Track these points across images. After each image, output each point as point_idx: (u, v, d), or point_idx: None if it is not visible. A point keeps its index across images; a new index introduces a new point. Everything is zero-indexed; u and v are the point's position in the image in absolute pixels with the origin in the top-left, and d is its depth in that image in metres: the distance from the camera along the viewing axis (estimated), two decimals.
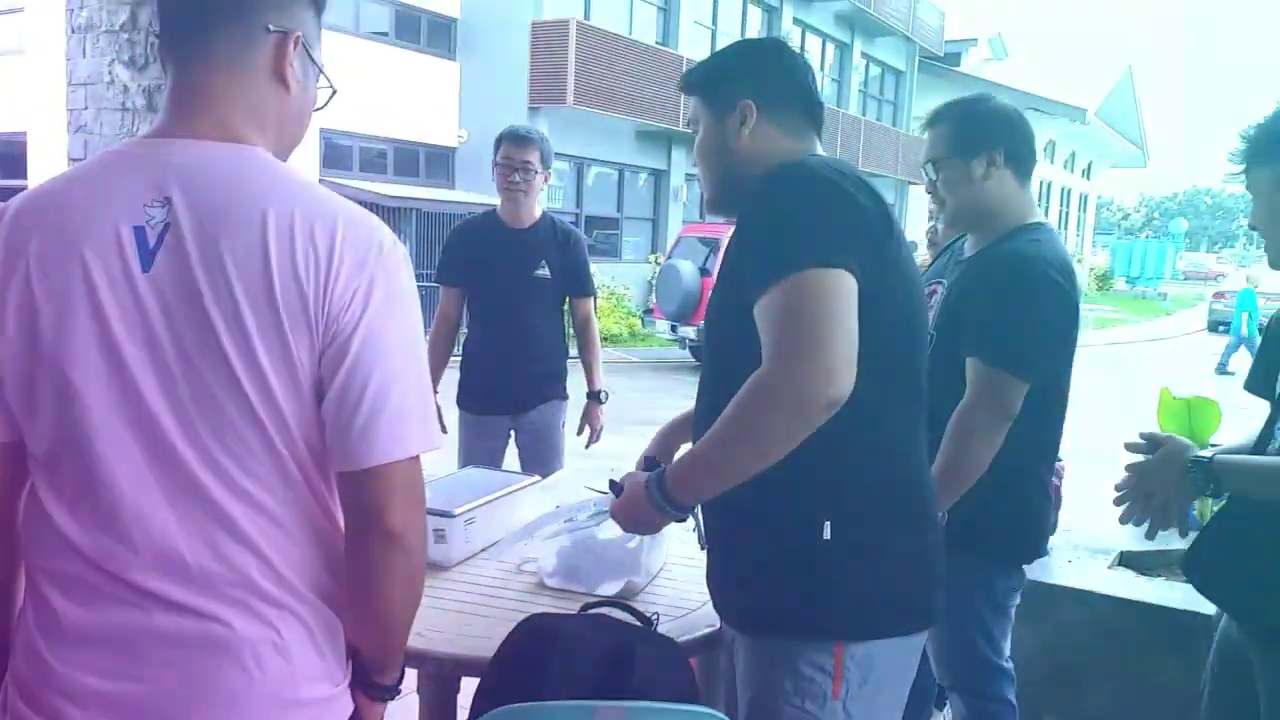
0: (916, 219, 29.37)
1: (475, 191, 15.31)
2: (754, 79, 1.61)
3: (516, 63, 15.24)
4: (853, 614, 1.47)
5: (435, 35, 16.04)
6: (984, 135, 2.12)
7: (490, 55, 15.65)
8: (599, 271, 15.84)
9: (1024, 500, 2.16)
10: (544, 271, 3.34)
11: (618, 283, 15.94)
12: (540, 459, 3.32)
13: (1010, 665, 2.28)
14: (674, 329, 12.92)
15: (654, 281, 14.17)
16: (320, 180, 11.35)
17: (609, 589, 2.01)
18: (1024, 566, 2.26)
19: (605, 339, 14.38)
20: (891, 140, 26.19)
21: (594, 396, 3.47)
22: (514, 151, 3.27)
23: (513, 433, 3.44)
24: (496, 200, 3.40)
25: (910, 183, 27.67)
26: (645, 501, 1.48)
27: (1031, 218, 2.15)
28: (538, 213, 3.41)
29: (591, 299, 3.52)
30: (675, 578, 2.15)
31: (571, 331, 3.55)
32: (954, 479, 1.95)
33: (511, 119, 16.48)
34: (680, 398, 6.98)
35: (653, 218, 19.05)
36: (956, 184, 2.14)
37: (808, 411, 1.29)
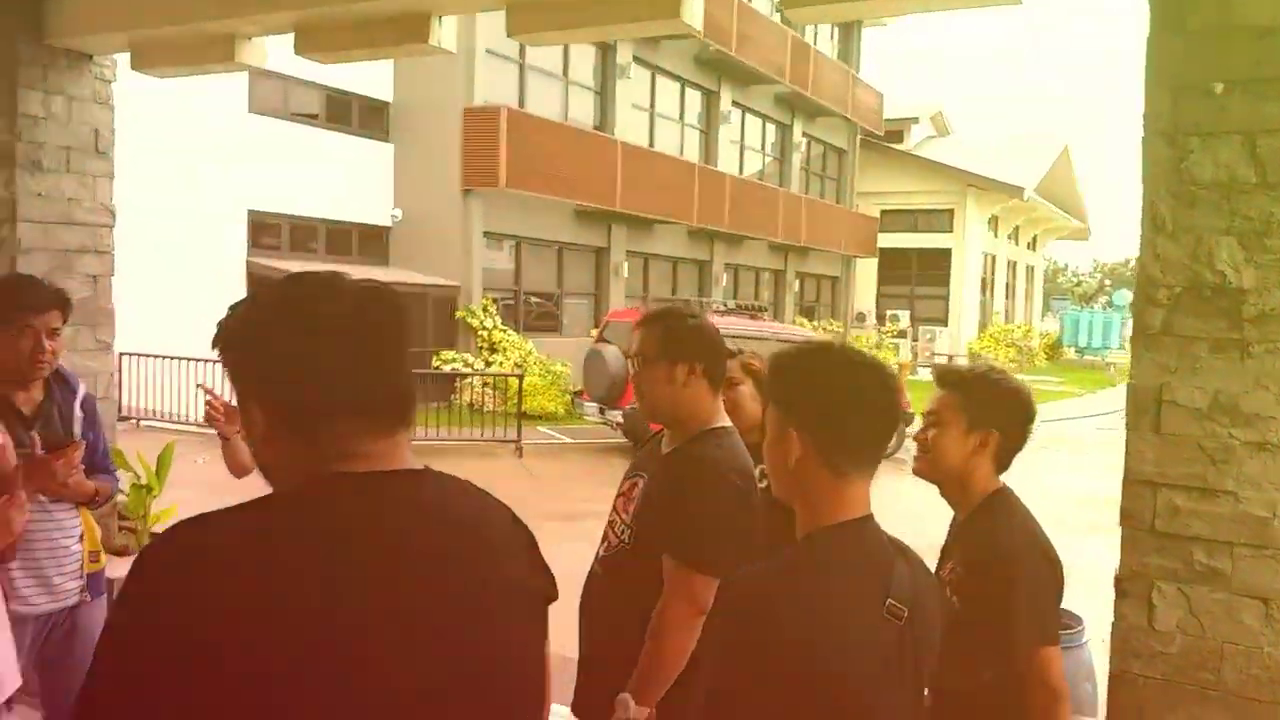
0: (865, 290, 29.79)
1: (409, 270, 15.35)
2: None
3: (449, 146, 15.44)
4: None
5: (369, 118, 16.22)
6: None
7: (423, 139, 15.84)
8: (536, 347, 15.86)
9: None
10: None
11: (555, 359, 15.94)
12: None
13: None
14: (601, 411, 12.88)
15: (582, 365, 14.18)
16: (248, 259, 11.29)
17: None
18: None
19: (538, 417, 14.29)
20: (836, 216, 26.65)
21: None
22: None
23: None
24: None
25: (856, 256, 28.09)
26: None
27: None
28: None
29: None
30: None
31: None
32: (656, 674, 2.08)
33: (444, 200, 16.43)
34: (600, 485, 6.78)
35: (594, 293, 19.18)
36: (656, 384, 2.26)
37: None
